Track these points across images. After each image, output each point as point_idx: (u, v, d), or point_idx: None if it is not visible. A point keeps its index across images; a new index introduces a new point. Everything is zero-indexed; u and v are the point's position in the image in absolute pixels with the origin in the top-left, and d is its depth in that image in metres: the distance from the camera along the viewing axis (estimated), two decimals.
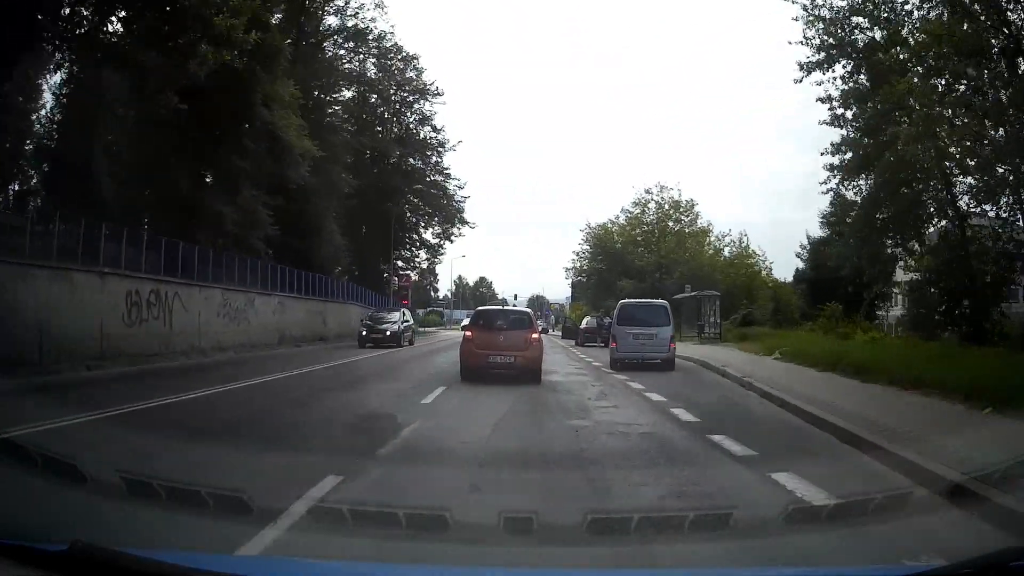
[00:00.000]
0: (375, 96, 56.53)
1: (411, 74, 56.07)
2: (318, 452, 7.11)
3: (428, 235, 61.65)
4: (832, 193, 22.66)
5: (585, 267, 59.06)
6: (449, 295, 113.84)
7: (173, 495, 4.52)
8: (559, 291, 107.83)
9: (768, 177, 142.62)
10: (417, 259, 63.22)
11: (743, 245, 51.83)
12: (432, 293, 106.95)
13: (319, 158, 34.09)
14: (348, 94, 53.18)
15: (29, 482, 4.99)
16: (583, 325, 38.11)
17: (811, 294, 37.67)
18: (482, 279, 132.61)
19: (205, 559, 2.79)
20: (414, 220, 60.72)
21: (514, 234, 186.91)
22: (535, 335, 14.89)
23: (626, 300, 20.67)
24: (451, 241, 62.27)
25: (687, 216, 54.42)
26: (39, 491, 4.81)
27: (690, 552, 4.19)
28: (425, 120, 58.51)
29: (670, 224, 53.86)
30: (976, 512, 4.77)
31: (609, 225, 56.91)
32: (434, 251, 62.75)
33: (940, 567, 2.44)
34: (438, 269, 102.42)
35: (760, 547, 4.22)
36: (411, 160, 58.84)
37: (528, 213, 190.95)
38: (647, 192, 54.92)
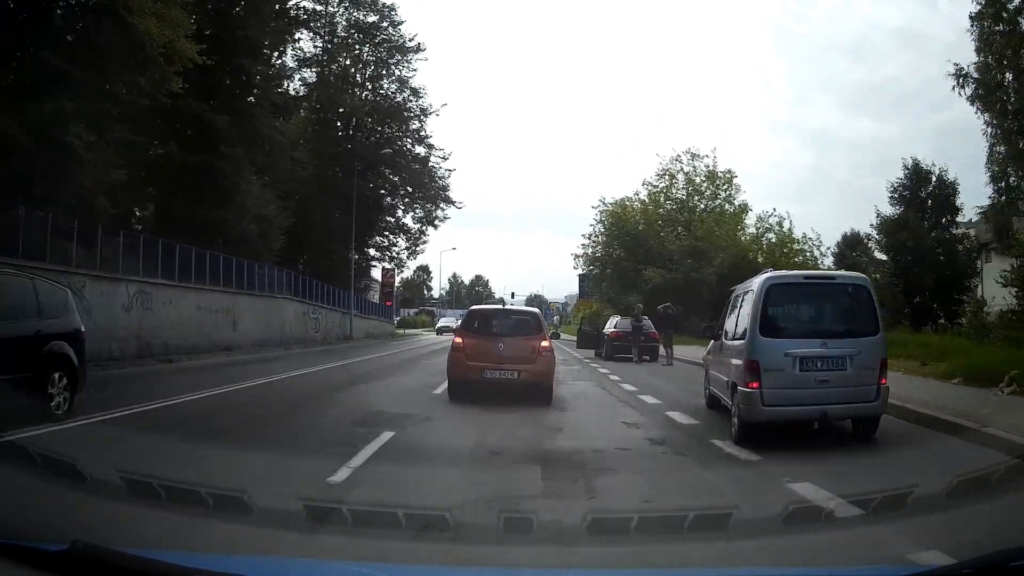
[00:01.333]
0: (346, 57, 47.66)
1: (385, 24, 47.02)
2: None
3: (408, 219, 52.01)
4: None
5: (599, 254, 46.43)
6: (444, 294, 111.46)
7: (173, 495, 4.53)
8: (558, 291, 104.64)
9: (766, 170, 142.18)
10: (395, 247, 52.69)
11: (787, 230, 40.65)
12: (426, 292, 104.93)
13: (233, 95, 26.23)
14: (309, 46, 44.44)
15: (29, 482, 5.00)
16: (610, 329, 25.78)
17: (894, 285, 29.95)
18: (478, 277, 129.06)
19: (205, 559, 2.79)
20: (390, 200, 50.97)
21: (511, 230, 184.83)
22: (545, 343, 11.68)
23: (776, 275, 8.99)
24: (434, 226, 52.10)
25: (725, 190, 43.55)
26: (39, 491, 4.82)
27: (690, 552, 4.19)
28: (404, 84, 48.60)
29: (703, 200, 44.22)
30: None
31: (627, 202, 45.50)
32: (415, 239, 52.22)
33: (940, 567, 2.45)
34: (431, 266, 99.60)
35: (760, 547, 4.22)
36: (386, 128, 49.01)
37: (526, 207, 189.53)
38: (676, 160, 44.08)
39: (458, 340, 11.91)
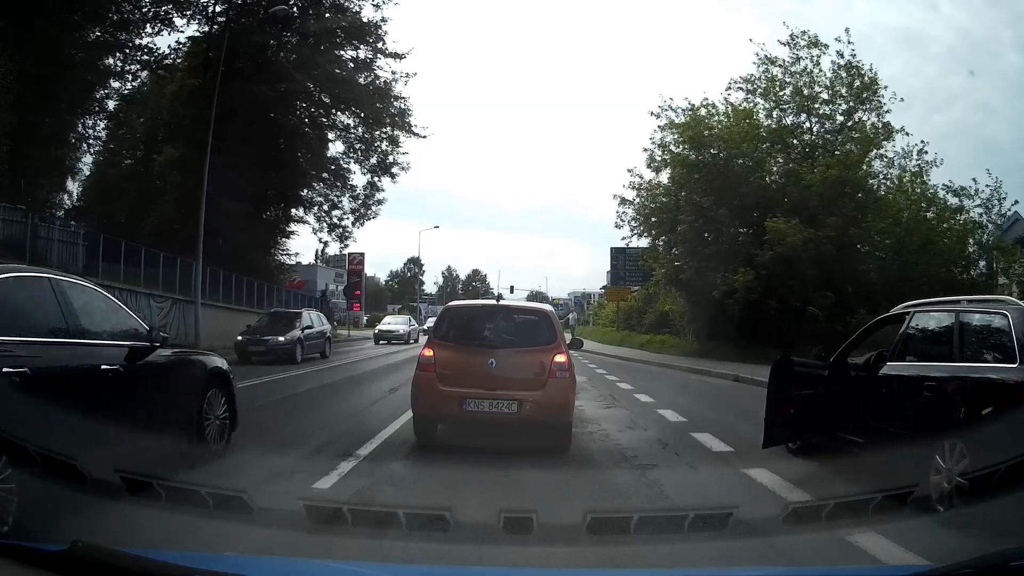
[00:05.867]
0: None
1: None
2: None
3: (353, 166, 34.89)
4: None
5: (659, 202, 26.16)
6: (437, 288, 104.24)
7: (173, 495, 4.54)
8: (560, 291, 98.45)
9: None
10: (340, 209, 35.14)
11: (921, 179, 23.28)
12: (417, 287, 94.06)
13: None
14: None
15: (29, 482, 5.00)
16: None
17: None
18: (475, 272, 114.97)
19: (205, 559, 2.80)
20: (315, 132, 33.44)
21: (511, 230, 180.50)
22: (560, 357, 7.80)
23: None
24: (392, 176, 34.27)
25: (865, 98, 23.91)
26: (39, 491, 4.82)
27: (690, 552, 4.20)
28: None
29: (838, 114, 24.47)
30: None
31: (707, 112, 25.41)
32: (365, 200, 35.02)
33: (940, 567, 2.45)
34: (423, 259, 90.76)
35: (760, 547, 4.23)
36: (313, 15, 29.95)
37: (528, 207, 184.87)
38: (790, 45, 24.53)
39: (427, 353, 8.01)
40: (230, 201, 25.81)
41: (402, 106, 32.73)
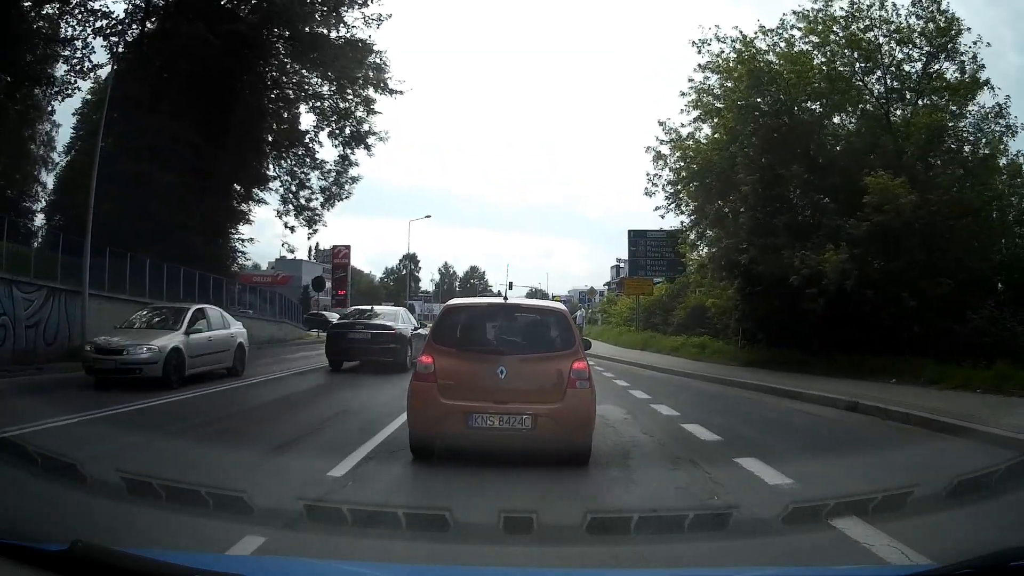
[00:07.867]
0: None
1: None
2: None
3: (325, 138, 30.40)
4: None
5: (699, 161, 20.13)
6: (435, 286, 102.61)
7: (173, 495, 4.54)
8: (560, 289, 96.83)
9: None
10: (308, 187, 30.31)
11: (1003, 145, 18.60)
12: (413, 284, 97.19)
13: None
14: None
15: (29, 482, 5.01)
16: None
17: None
18: (473, 268, 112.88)
19: (205, 559, 2.80)
20: (284, 94, 29.69)
21: (509, 230, 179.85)
22: (579, 364, 6.86)
23: None
24: (367, 148, 30.05)
25: (944, 45, 18.30)
26: (39, 491, 4.83)
27: (690, 552, 4.19)
28: None
29: (915, 55, 18.74)
30: None
31: (773, 34, 19.42)
32: (336, 178, 30.40)
33: (940, 567, 2.44)
34: (418, 254, 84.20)
35: (760, 547, 4.23)
36: None
37: (527, 207, 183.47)
38: None
39: (426, 360, 7.02)
40: (169, 175, 22.03)
41: (378, 60, 28.68)
